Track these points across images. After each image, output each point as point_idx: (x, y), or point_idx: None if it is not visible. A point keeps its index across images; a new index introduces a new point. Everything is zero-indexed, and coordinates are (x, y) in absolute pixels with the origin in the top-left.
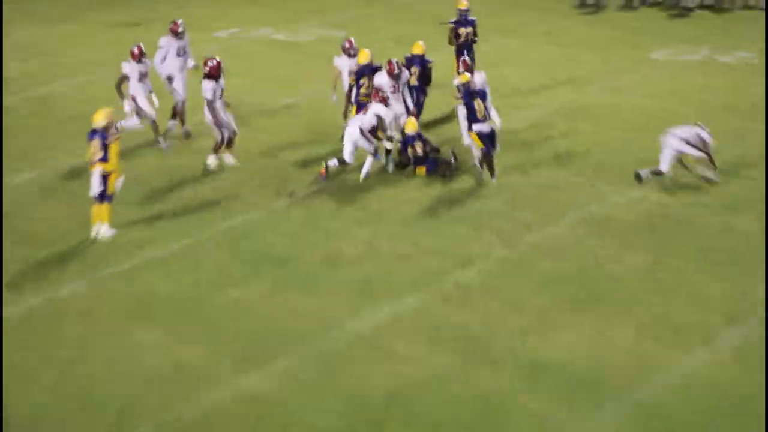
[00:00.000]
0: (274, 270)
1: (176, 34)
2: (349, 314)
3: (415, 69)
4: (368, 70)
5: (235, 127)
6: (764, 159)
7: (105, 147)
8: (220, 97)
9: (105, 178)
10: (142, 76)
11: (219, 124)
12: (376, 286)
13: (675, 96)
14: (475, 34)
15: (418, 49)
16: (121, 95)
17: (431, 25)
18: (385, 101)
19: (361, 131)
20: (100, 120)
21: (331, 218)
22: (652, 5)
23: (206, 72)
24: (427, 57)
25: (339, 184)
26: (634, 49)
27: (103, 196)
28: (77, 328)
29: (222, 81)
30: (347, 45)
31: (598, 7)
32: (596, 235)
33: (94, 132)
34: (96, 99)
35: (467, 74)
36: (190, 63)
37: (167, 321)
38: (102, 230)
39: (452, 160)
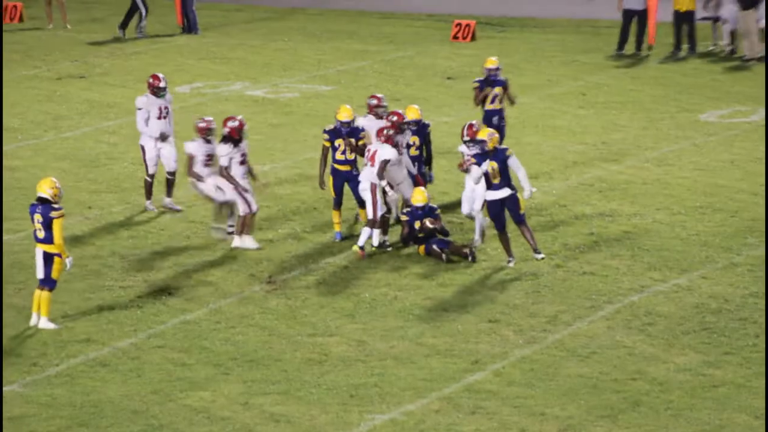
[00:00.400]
0: (247, 372)
1: (156, 91)
2: (337, 425)
3: (414, 139)
4: (347, 131)
5: (254, 205)
6: None
7: (49, 223)
8: (242, 163)
9: (48, 259)
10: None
11: (239, 192)
12: (369, 392)
13: (733, 168)
14: (506, 96)
15: (413, 113)
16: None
17: (435, 82)
18: (390, 140)
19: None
20: (44, 189)
21: (315, 310)
22: (702, 56)
23: (225, 133)
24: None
25: (324, 266)
26: (682, 111)
27: (44, 281)
28: None
29: (244, 144)
30: (375, 102)
31: (638, 59)
32: (635, 332)
33: (35, 205)
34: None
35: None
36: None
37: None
38: (41, 322)
39: (468, 256)
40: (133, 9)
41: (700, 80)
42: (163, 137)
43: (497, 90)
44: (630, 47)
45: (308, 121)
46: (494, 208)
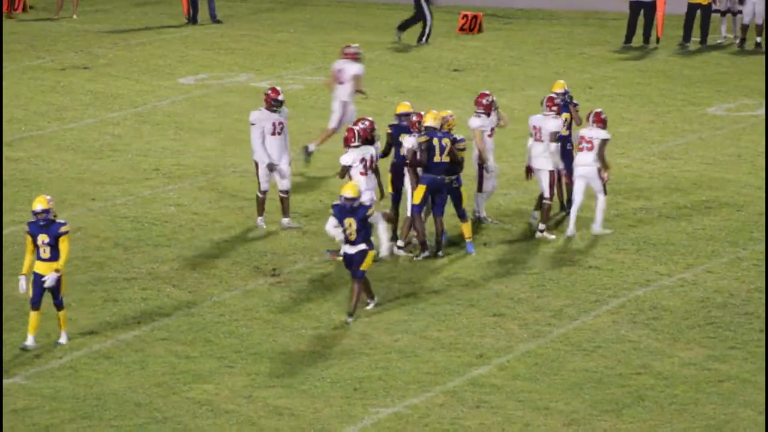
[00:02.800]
0: (251, 365)
1: (273, 105)
2: (341, 418)
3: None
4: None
5: None
6: None
7: (56, 241)
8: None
9: (38, 279)
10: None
11: None
12: (374, 385)
13: (739, 162)
14: (572, 119)
15: (403, 108)
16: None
17: (441, 74)
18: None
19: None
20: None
21: (320, 303)
22: (710, 49)
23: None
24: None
25: (329, 259)
26: (689, 104)
27: (34, 302)
28: None
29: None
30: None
31: (645, 52)
32: (641, 326)
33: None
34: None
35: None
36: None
37: (122, 424)
38: (63, 338)
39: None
40: (418, 17)
41: (708, 73)
42: (270, 168)
43: (565, 116)
44: (638, 40)
45: (313, 113)
46: (347, 261)
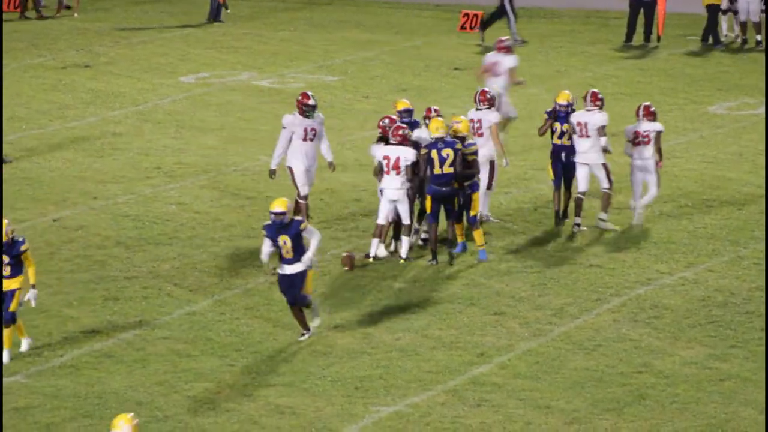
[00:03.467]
0: (252, 363)
1: (305, 110)
2: (342, 416)
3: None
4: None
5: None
6: None
7: (18, 259)
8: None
9: (9, 296)
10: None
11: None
12: (375, 384)
13: (740, 161)
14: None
15: (403, 105)
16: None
17: (442, 72)
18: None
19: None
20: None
21: (321, 302)
22: (710, 48)
23: (379, 134)
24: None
25: (330, 258)
26: (690, 102)
27: (10, 316)
28: None
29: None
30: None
31: (647, 50)
32: (642, 324)
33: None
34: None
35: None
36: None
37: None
38: (24, 345)
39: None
40: (500, 13)
41: (709, 72)
42: (271, 174)
43: (566, 127)
44: (638, 38)
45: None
46: (283, 283)
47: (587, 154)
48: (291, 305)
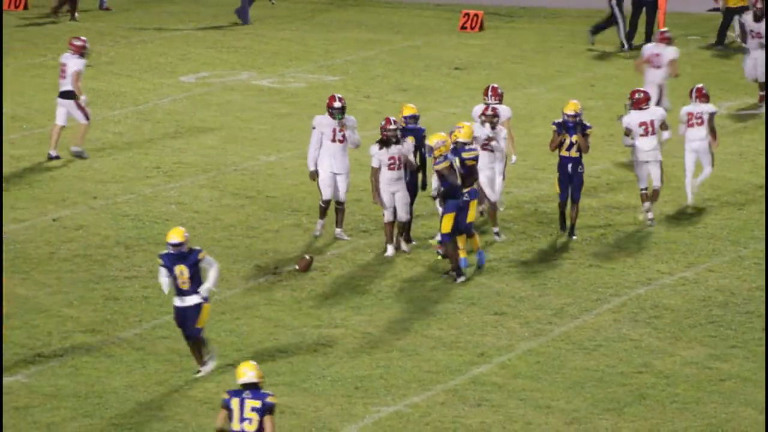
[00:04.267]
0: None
1: (332, 112)
2: (342, 416)
3: (412, 139)
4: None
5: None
6: None
7: None
8: (390, 167)
9: None
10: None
11: (377, 197)
12: (375, 384)
13: (741, 161)
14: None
15: (409, 111)
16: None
17: (442, 72)
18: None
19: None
20: None
21: (321, 301)
22: (711, 48)
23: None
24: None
25: (330, 258)
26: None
27: None
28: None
29: (396, 149)
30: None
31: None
32: (642, 324)
33: None
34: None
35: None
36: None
37: (123, 422)
38: None
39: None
40: (612, 21)
41: (710, 72)
42: (311, 176)
43: (575, 138)
44: (639, 38)
45: (315, 112)
46: (178, 316)
47: (653, 152)
48: (186, 339)
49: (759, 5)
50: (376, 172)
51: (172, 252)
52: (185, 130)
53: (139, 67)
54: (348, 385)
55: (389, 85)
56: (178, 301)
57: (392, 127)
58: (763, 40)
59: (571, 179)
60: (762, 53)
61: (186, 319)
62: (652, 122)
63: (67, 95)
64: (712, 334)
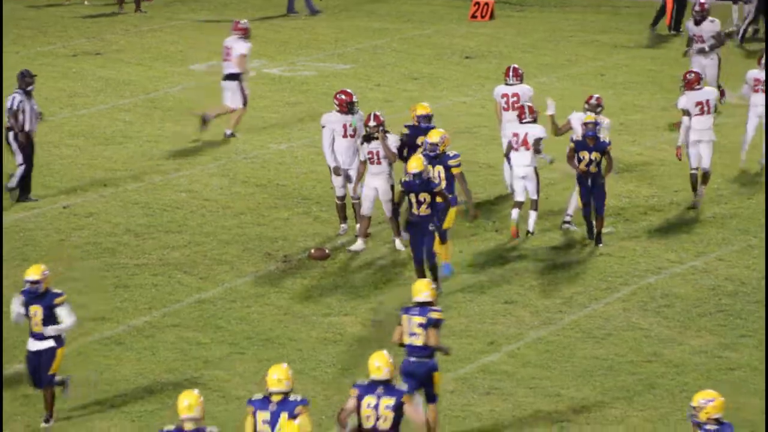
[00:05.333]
0: (262, 351)
1: (346, 107)
2: None
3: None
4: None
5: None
6: None
7: None
8: (370, 161)
9: None
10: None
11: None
12: None
13: (751, 150)
14: (601, 162)
15: (422, 110)
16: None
17: (453, 61)
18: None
19: None
20: None
21: (330, 289)
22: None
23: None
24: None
25: (340, 246)
26: None
27: None
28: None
29: (375, 144)
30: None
31: (659, 39)
32: (651, 313)
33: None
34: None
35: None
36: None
37: (132, 410)
38: None
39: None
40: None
41: (725, 59)
42: (336, 172)
43: (594, 155)
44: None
45: (325, 100)
46: (30, 362)
47: (706, 132)
48: (39, 388)
49: (697, 8)
50: (361, 165)
51: (28, 289)
52: (195, 118)
53: (149, 55)
54: (358, 373)
55: (400, 74)
56: (31, 345)
57: (372, 123)
58: (704, 45)
59: (592, 192)
60: (702, 59)
61: (39, 364)
62: (707, 101)
63: (231, 77)
64: (722, 323)
